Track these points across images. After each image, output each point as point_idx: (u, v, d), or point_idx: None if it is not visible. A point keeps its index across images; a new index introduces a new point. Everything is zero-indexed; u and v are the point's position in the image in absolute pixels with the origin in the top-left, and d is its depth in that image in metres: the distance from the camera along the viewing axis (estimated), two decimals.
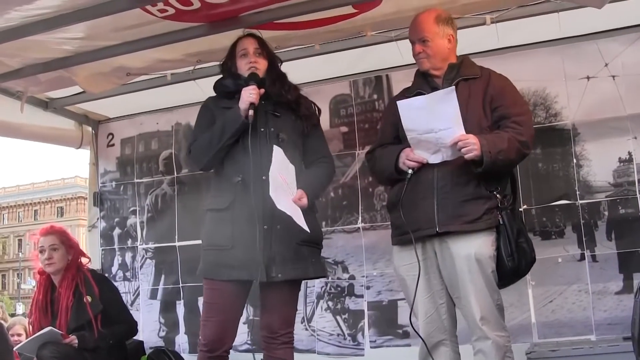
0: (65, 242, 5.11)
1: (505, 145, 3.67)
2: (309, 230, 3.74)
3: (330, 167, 4.18)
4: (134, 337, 5.43)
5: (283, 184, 3.74)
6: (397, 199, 3.88)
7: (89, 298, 4.91)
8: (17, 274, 68.77)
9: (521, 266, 3.81)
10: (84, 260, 5.23)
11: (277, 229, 3.81)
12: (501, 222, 3.77)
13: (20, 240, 74.32)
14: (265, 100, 3.98)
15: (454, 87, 3.71)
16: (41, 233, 5.16)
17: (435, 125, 3.66)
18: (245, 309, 5.49)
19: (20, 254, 70.00)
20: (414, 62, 4.11)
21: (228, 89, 4.09)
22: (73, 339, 4.78)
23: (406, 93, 4.08)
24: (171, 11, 4.18)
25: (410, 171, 3.80)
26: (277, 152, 3.74)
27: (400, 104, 3.77)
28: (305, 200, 3.81)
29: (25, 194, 77.83)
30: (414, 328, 3.84)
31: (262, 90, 3.94)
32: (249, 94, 3.85)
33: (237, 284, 3.82)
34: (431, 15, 3.96)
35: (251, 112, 3.82)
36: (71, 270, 5.03)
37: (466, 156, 3.63)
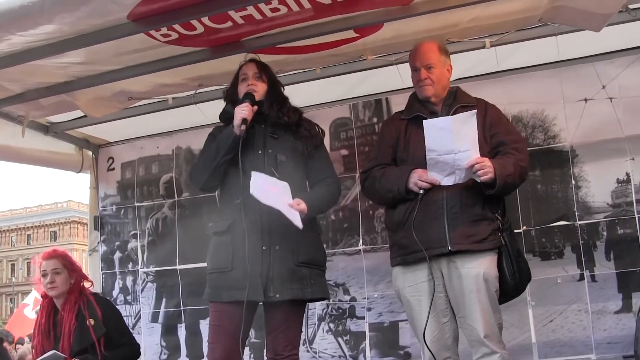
0: (68, 266, 5.10)
1: (512, 170, 3.81)
2: (301, 226, 3.76)
3: (333, 187, 4.19)
4: None
5: (270, 190, 3.77)
6: (404, 218, 3.95)
7: (91, 321, 4.90)
8: (10, 299, 68.39)
9: (521, 284, 3.97)
10: (86, 284, 5.22)
11: (276, 249, 3.85)
12: (503, 243, 3.89)
13: (13, 265, 74.04)
14: (263, 124, 4.06)
15: (475, 111, 3.81)
16: (43, 257, 5.14)
17: (456, 146, 3.74)
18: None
19: (13, 278, 69.71)
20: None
21: (228, 115, 4.13)
22: None
23: (401, 116, 4.21)
24: (174, 36, 4.20)
25: (422, 192, 3.86)
26: (255, 177, 3.78)
27: (426, 123, 3.83)
28: (304, 206, 3.82)
29: (18, 218, 77.54)
30: (427, 346, 3.87)
31: (256, 107, 4.00)
32: (241, 110, 3.92)
33: (241, 306, 3.82)
34: (434, 44, 4.13)
35: (243, 127, 3.88)
36: (74, 294, 5.02)
37: (482, 178, 3.74)
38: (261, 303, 3.93)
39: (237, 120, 3.91)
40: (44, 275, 5.03)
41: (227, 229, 3.95)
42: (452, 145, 3.74)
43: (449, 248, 3.81)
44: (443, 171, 3.82)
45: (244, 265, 3.79)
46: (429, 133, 3.79)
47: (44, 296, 5.13)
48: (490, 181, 3.74)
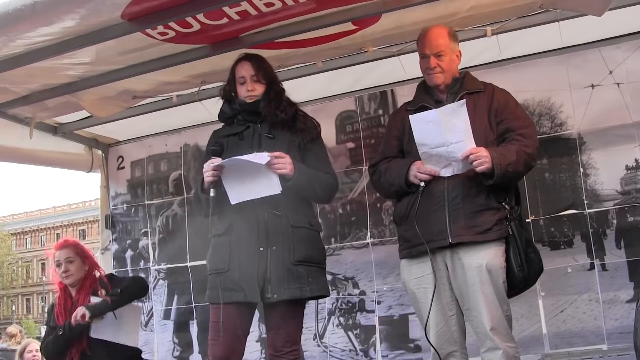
0: (80, 254, 5.16)
1: (514, 158, 3.72)
2: (278, 191, 3.78)
3: (330, 179, 4.13)
4: (144, 358, 5.42)
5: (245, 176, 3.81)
6: (407, 211, 3.92)
7: (103, 291, 5.00)
8: (42, 298, 68.98)
9: (530, 276, 3.86)
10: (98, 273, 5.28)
11: (273, 250, 3.84)
12: (510, 233, 3.81)
13: (43, 264, 74.43)
14: (260, 123, 4.05)
15: (464, 100, 3.74)
16: (56, 247, 5.20)
17: (447, 138, 3.68)
18: (258, 327, 5.54)
19: (43, 277, 70.21)
20: (418, 76, 4.13)
21: (226, 115, 4.18)
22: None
23: (408, 107, 4.12)
24: (171, 34, 4.20)
25: (422, 184, 3.82)
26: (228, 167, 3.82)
27: (413, 118, 3.77)
28: (289, 167, 3.82)
29: (47, 217, 78.01)
30: (428, 339, 3.85)
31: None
32: (207, 176, 3.89)
33: (240, 305, 3.85)
34: (445, 30, 4.02)
35: (212, 192, 3.87)
36: (89, 279, 5.12)
37: (478, 169, 3.67)
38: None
39: (206, 183, 3.91)
40: (58, 265, 5.11)
41: (225, 232, 3.96)
42: (443, 138, 3.68)
43: (450, 240, 3.75)
44: (439, 163, 3.78)
45: (241, 266, 3.82)
46: (417, 128, 3.75)
47: (60, 287, 5.18)
48: (488, 171, 3.67)
